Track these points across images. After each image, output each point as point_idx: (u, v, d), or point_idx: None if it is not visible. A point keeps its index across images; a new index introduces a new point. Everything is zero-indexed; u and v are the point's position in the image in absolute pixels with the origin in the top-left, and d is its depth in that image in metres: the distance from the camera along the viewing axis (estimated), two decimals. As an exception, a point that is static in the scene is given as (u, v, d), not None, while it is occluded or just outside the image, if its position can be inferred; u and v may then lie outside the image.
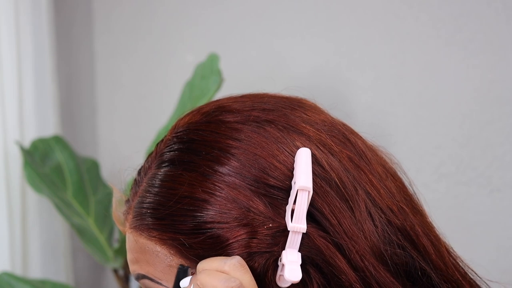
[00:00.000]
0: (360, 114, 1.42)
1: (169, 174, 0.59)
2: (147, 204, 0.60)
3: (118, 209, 0.66)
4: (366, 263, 0.56)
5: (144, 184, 0.62)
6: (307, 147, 0.57)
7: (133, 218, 0.61)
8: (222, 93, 1.42)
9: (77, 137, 1.94)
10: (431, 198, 1.33)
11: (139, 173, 0.65)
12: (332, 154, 0.58)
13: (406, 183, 0.64)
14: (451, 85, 1.32)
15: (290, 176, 0.56)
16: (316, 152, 0.57)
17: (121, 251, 1.50)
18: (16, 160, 1.64)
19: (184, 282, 0.56)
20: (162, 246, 0.58)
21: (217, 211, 0.56)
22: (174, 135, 0.62)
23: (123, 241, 1.45)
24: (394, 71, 1.38)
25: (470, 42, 1.28)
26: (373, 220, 0.57)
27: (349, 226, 0.56)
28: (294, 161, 0.57)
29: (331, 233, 0.55)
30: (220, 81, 1.38)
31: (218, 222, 0.55)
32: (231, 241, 0.55)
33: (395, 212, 0.59)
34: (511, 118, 1.25)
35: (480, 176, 1.29)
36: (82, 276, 1.94)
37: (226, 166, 0.57)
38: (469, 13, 1.28)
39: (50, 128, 1.72)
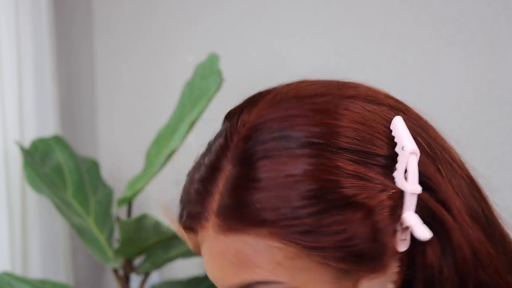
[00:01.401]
0: (360, 114, 1.42)
1: (278, 169, 0.56)
2: (253, 202, 0.55)
3: (175, 222, 0.62)
4: (466, 221, 0.59)
5: (223, 182, 0.58)
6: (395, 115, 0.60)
7: (222, 220, 0.57)
8: (222, 93, 1.42)
9: (77, 137, 1.94)
10: (431, 198, 1.33)
11: (205, 171, 0.60)
12: (416, 122, 0.62)
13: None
14: (451, 85, 1.32)
15: (390, 144, 0.58)
16: (404, 120, 0.60)
17: (121, 251, 1.50)
18: (16, 160, 1.64)
19: None
20: (275, 241, 0.55)
21: (346, 187, 0.56)
22: (257, 127, 0.58)
23: (123, 241, 1.45)
24: (394, 71, 1.38)
25: (470, 42, 1.28)
26: (459, 183, 0.62)
27: (446, 186, 0.59)
28: (389, 130, 0.59)
29: (436, 193, 0.58)
30: (220, 81, 1.37)
31: (344, 206, 0.55)
32: (353, 228, 0.55)
33: (473, 181, 0.66)
34: (511, 118, 1.25)
35: (480, 176, 1.28)
36: (82, 276, 1.94)
37: (340, 144, 0.57)
38: (469, 13, 1.28)
39: (50, 128, 1.72)
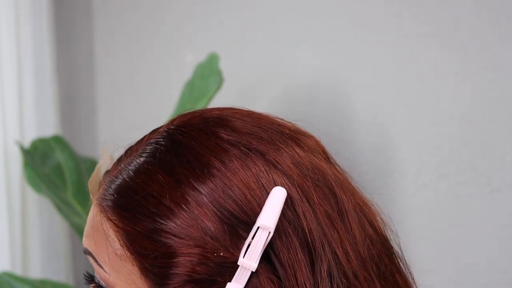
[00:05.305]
0: (360, 114, 1.42)
1: (146, 167, 0.59)
2: (115, 186, 0.60)
3: (97, 176, 0.66)
4: None
5: (123, 165, 0.61)
6: (286, 188, 0.56)
7: (101, 192, 0.62)
8: (222, 93, 1.42)
9: (77, 137, 1.93)
10: (431, 198, 1.33)
11: (126, 151, 0.64)
12: (309, 204, 0.56)
13: (396, 248, 0.62)
14: (451, 85, 1.32)
15: (258, 212, 0.55)
16: (294, 196, 0.56)
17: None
18: (16, 160, 1.64)
19: None
20: (115, 233, 0.58)
21: (178, 224, 0.55)
22: (167, 129, 0.61)
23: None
24: (394, 71, 1.38)
25: (470, 42, 1.28)
26: (331, 283, 0.55)
27: (303, 281, 0.54)
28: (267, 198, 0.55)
29: (282, 280, 0.54)
30: (220, 81, 1.37)
31: (174, 235, 0.55)
32: (180, 257, 0.55)
33: (360, 281, 0.56)
34: (511, 118, 1.25)
35: (480, 176, 1.29)
36: (82, 276, 1.94)
37: (200, 183, 0.56)
38: (469, 13, 1.28)
39: (50, 128, 1.72)
